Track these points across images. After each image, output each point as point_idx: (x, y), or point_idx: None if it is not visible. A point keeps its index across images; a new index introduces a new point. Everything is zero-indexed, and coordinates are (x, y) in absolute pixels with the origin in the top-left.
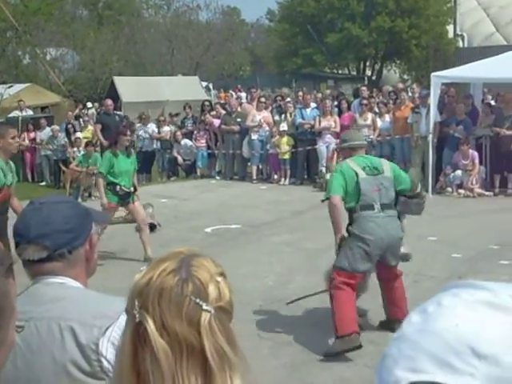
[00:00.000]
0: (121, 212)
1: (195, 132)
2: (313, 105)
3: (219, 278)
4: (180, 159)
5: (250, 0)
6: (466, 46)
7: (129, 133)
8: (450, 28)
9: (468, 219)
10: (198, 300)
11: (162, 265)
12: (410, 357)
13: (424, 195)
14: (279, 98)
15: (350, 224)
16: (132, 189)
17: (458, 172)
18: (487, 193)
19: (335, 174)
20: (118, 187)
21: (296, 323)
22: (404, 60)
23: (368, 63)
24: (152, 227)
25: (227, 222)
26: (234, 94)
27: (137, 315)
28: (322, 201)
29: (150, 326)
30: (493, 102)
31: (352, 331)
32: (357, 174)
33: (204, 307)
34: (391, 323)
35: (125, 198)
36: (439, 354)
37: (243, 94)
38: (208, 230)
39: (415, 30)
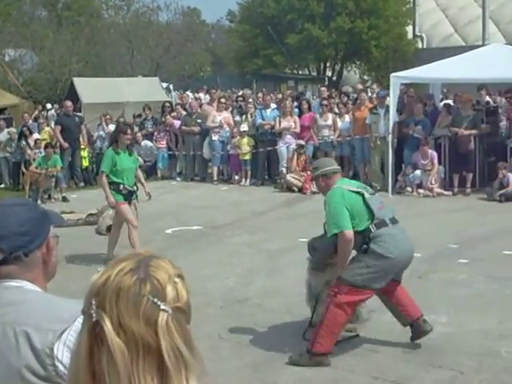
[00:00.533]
0: (80, 214)
1: (156, 133)
2: (273, 105)
3: (177, 279)
4: (140, 160)
5: (211, 1)
6: (425, 46)
7: (129, 131)
8: (410, 29)
9: (427, 219)
10: (155, 300)
11: (120, 265)
12: None
13: None
14: (240, 98)
15: (365, 244)
16: (135, 187)
17: (418, 172)
18: (446, 192)
19: (337, 206)
20: (121, 186)
21: (257, 324)
22: (364, 61)
23: (328, 64)
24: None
25: (188, 223)
26: (190, 94)
27: (94, 315)
28: (331, 236)
29: (107, 325)
30: (451, 103)
31: (327, 351)
32: (362, 195)
33: (162, 307)
34: (416, 325)
35: (128, 197)
36: None
37: (202, 95)
38: (169, 231)
39: (375, 31)
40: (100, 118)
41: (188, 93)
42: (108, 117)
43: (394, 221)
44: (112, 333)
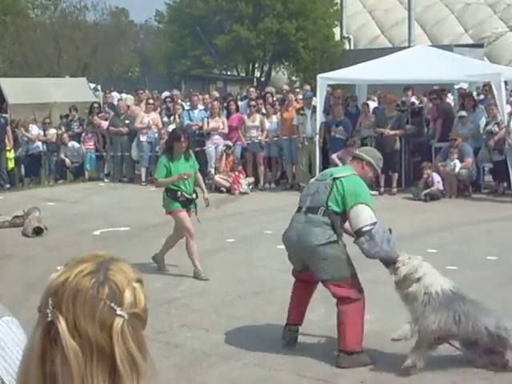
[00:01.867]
0: (6, 216)
1: (83, 134)
2: (200, 106)
3: (136, 284)
4: (68, 162)
5: (139, 1)
6: (352, 48)
7: (183, 138)
8: (337, 30)
9: None
10: (112, 304)
11: (80, 266)
12: None
13: None
14: (168, 99)
15: None
16: (194, 195)
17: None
18: (373, 192)
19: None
20: (178, 193)
21: (184, 324)
22: (292, 62)
23: (257, 65)
24: (39, 231)
25: (116, 225)
26: (115, 94)
27: (49, 314)
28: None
29: (62, 326)
30: (376, 103)
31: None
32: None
33: (118, 312)
34: (289, 330)
35: (186, 205)
36: None
37: (114, 94)
38: (97, 232)
39: (302, 32)
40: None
41: (114, 93)
42: (34, 118)
43: (308, 210)
44: (67, 334)
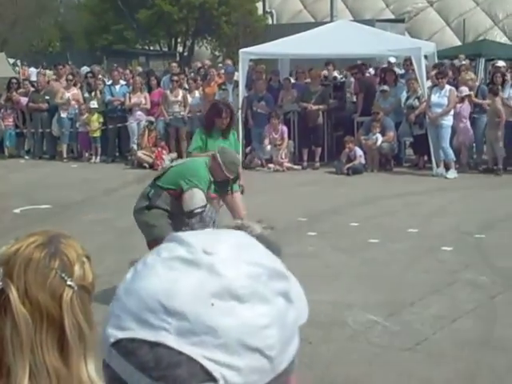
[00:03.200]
0: None
1: (2, 110)
2: (122, 82)
3: (85, 259)
4: None
5: None
6: (274, 22)
7: (224, 114)
8: (260, 5)
9: (278, 193)
10: (63, 275)
11: (31, 238)
12: (118, 315)
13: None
14: (89, 74)
15: None
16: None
17: (268, 147)
18: (296, 166)
19: None
20: None
21: (106, 301)
22: (215, 36)
23: (179, 40)
24: None
25: (37, 203)
26: (33, 70)
27: (0, 283)
28: None
29: (13, 293)
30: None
31: None
32: None
33: (68, 282)
34: None
35: (222, 188)
36: (138, 313)
37: (33, 70)
38: (17, 210)
39: (225, 7)
40: None
41: (31, 68)
42: None
43: (153, 185)
44: (17, 301)
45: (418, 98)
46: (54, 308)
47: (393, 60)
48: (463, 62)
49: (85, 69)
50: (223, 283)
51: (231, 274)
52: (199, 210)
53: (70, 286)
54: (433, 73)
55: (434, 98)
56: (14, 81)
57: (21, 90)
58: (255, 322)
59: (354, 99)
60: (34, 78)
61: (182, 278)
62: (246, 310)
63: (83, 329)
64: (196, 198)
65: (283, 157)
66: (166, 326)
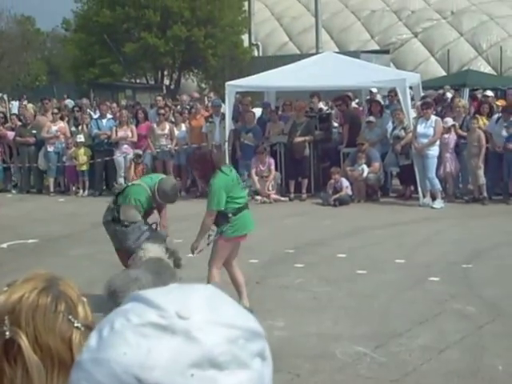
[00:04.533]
0: None
1: None
2: (109, 115)
3: (84, 299)
4: None
5: (45, 9)
6: (261, 54)
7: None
8: (246, 37)
9: (265, 225)
10: (70, 317)
11: (31, 283)
12: None
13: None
14: (76, 108)
15: None
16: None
17: (255, 178)
18: (283, 198)
19: None
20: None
21: None
22: (201, 69)
23: (166, 72)
24: None
25: (24, 237)
26: (30, 105)
27: (7, 332)
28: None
29: (24, 341)
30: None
31: None
32: None
33: (75, 324)
34: None
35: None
36: None
37: (14, 103)
38: (4, 245)
39: (211, 40)
40: None
41: (13, 102)
42: None
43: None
44: (29, 349)
45: (404, 128)
46: (65, 351)
47: (374, 90)
48: (450, 92)
49: (68, 102)
50: (202, 351)
51: (209, 341)
52: (127, 224)
53: (77, 327)
54: (418, 103)
55: (420, 128)
56: (1, 115)
57: (8, 125)
58: None
59: (340, 130)
60: (14, 111)
61: (156, 346)
62: (226, 377)
63: None
64: (127, 214)
65: (270, 188)
66: None
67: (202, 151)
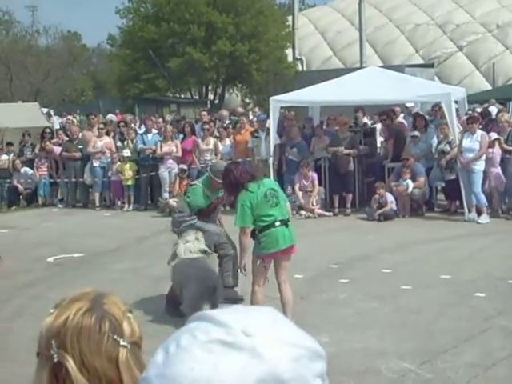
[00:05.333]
0: None
1: (36, 160)
2: (154, 130)
3: (130, 315)
4: (20, 188)
5: (91, 25)
6: (305, 69)
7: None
8: (289, 52)
9: (309, 240)
10: (115, 336)
11: (76, 305)
12: None
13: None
14: (122, 124)
15: None
16: None
17: (299, 193)
18: (327, 213)
19: None
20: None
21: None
22: (245, 84)
23: (210, 87)
24: None
25: (70, 251)
26: (75, 120)
27: (55, 355)
28: None
29: (71, 364)
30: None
31: None
32: None
33: (121, 343)
34: None
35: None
36: None
37: (55, 118)
38: (50, 259)
39: (255, 54)
40: None
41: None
42: None
43: None
44: (77, 372)
45: (449, 143)
46: (113, 371)
47: (409, 105)
48: (496, 106)
49: (110, 116)
50: (268, 368)
51: (275, 358)
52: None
53: (123, 346)
54: (464, 118)
55: (466, 142)
56: (48, 130)
57: (55, 140)
58: None
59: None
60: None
61: (222, 362)
62: None
63: None
64: (178, 204)
65: (314, 203)
66: None
67: (226, 166)
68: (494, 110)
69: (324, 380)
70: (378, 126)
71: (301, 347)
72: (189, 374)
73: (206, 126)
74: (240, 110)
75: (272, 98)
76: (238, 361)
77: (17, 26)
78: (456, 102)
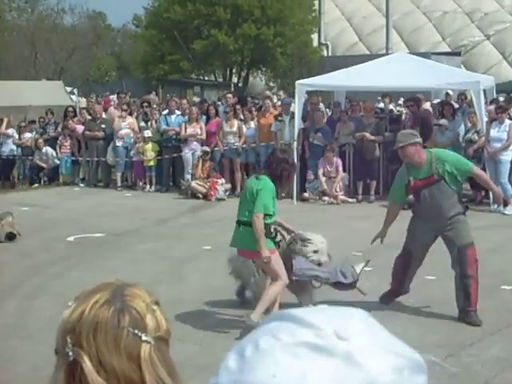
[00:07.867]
0: None
1: (60, 138)
2: (177, 112)
3: (155, 307)
4: (43, 166)
5: (116, 5)
6: (330, 54)
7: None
8: (315, 37)
9: (332, 226)
10: (136, 331)
11: (94, 297)
12: None
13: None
14: (145, 104)
15: None
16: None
17: (322, 179)
18: (351, 200)
19: None
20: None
21: None
22: (270, 67)
23: (234, 70)
24: (11, 237)
25: (90, 231)
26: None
27: (70, 353)
28: None
29: (87, 364)
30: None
31: None
32: None
33: (143, 338)
34: None
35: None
36: None
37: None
38: (71, 238)
39: (280, 38)
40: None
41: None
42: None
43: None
44: (92, 372)
45: (477, 132)
46: (133, 370)
47: (451, 92)
48: None
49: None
50: (365, 377)
51: (375, 367)
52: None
53: (146, 341)
54: (492, 107)
55: (494, 132)
56: (71, 109)
57: (77, 118)
58: None
59: None
60: (97, 108)
61: (311, 369)
62: None
63: (167, 383)
64: None
65: (338, 189)
66: None
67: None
68: None
69: None
70: (404, 112)
71: (403, 357)
72: (270, 382)
73: (230, 108)
74: (267, 93)
75: (298, 82)
76: (330, 368)
77: (43, 4)
78: (484, 90)
